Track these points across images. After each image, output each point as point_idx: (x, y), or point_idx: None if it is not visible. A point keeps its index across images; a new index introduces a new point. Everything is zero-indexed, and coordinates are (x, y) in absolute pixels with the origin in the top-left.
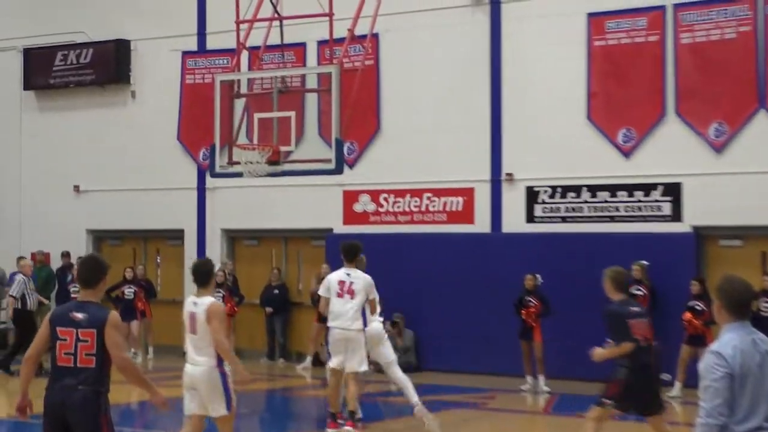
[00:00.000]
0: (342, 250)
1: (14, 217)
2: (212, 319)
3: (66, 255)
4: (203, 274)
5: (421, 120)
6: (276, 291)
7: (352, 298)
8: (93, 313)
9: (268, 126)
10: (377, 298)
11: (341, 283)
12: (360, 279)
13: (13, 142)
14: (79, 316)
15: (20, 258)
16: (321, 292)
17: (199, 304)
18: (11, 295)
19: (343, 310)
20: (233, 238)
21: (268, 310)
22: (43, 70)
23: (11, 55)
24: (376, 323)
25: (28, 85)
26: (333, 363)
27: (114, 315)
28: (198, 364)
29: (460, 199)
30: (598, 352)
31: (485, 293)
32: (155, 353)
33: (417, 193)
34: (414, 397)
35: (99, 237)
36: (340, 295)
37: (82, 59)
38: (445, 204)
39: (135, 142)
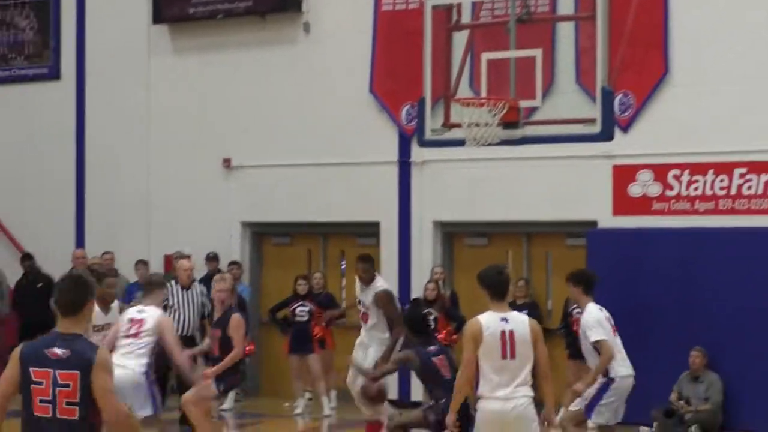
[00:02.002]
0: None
1: (138, 205)
2: None
3: (213, 258)
4: None
5: (732, 62)
6: (524, 311)
7: None
8: (78, 350)
9: (502, 72)
10: None
11: None
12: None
13: (138, 97)
14: (59, 352)
15: (176, 256)
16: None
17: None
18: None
19: None
20: (451, 234)
21: None
22: None
23: None
24: None
25: (158, 18)
26: None
27: (104, 353)
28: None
29: None
30: None
31: None
32: (339, 399)
33: (725, 168)
34: None
35: (258, 233)
36: None
37: None
38: (767, 184)
39: (309, 97)
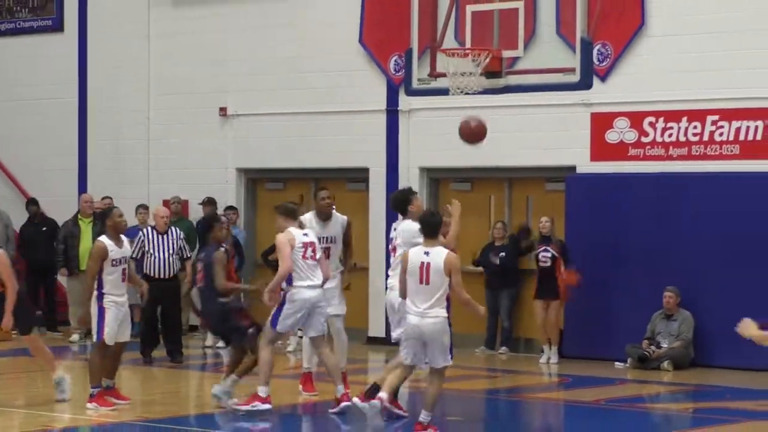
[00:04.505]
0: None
1: (138, 153)
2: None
3: (209, 203)
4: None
5: (706, 13)
6: (502, 254)
7: None
8: None
9: (485, 23)
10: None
11: None
12: None
13: (138, 48)
14: None
15: (174, 201)
16: None
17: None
18: (132, 257)
19: None
20: (437, 180)
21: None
22: None
23: None
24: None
25: None
26: None
27: None
28: (428, 316)
29: (760, 123)
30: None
31: None
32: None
33: (697, 115)
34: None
35: (253, 179)
36: None
37: None
38: (738, 131)
39: (301, 47)
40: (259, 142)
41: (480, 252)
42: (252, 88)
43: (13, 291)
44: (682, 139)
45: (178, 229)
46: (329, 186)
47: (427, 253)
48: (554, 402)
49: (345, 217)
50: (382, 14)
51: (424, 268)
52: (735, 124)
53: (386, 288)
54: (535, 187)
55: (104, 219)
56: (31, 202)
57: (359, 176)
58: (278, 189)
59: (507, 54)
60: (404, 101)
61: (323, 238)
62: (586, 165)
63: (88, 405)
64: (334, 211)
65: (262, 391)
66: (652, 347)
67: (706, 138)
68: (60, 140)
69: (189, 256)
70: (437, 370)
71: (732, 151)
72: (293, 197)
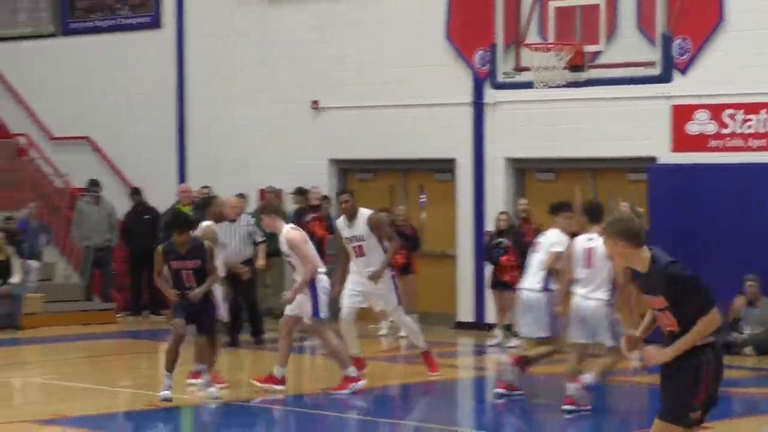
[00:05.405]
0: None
1: (234, 144)
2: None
3: (302, 192)
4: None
5: None
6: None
7: None
8: None
9: (568, 18)
10: None
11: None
12: None
13: (232, 45)
14: None
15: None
16: None
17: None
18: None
19: None
20: (522, 170)
21: None
22: None
23: None
24: None
25: None
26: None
27: None
28: (591, 298)
29: None
30: None
31: None
32: (420, 321)
33: None
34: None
35: (345, 169)
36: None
37: None
38: None
39: (388, 43)
40: (350, 134)
41: None
42: (343, 82)
43: None
44: (761, 130)
45: (248, 215)
46: (417, 176)
47: (591, 239)
48: (644, 386)
49: (369, 212)
50: (467, 11)
51: (589, 253)
52: None
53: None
54: (618, 177)
55: (205, 207)
56: (135, 192)
57: (445, 167)
58: (368, 179)
59: (589, 48)
60: (489, 94)
61: (351, 237)
62: (666, 156)
63: (196, 381)
64: (360, 209)
65: (351, 371)
66: (735, 333)
67: None
68: (159, 132)
69: (263, 240)
70: (608, 350)
71: None
72: (382, 187)
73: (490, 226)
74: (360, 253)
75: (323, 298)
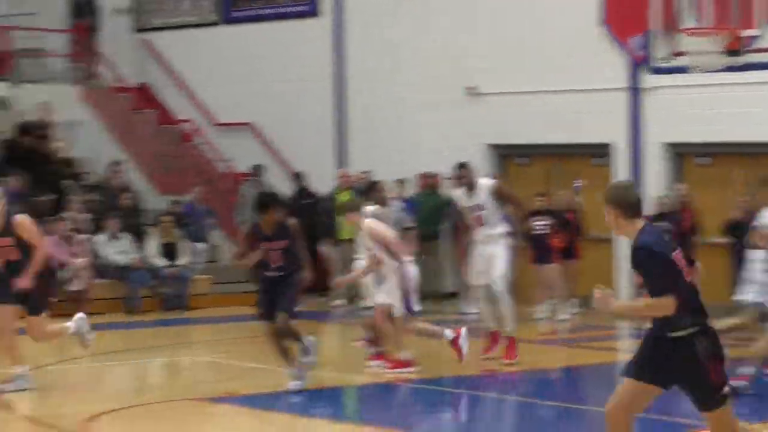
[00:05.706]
0: None
1: (392, 130)
2: None
3: (461, 177)
4: None
5: None
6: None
7: None
8: None
9: (724, 2)
10: None
11: None
12: None
13: (389, 32)
14: None
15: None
16: None
17: None
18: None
19: None
20: (680, 155)
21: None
22: None
23: None
24: None
25: None
26: None
27: None
28: None
29: None
30: None
31: None
32: (580, 306)
33: None
34: None
35: (503, 155)
36: None
37: None
38: None
39: (543, 29)
40: (507, 120)
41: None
42: (499, 68)
43: (42, 254)
44: None
45: (400, 201)
46: (573, 162)
47: None
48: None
49: (490, 182)
50: None
51: None
52: None
53: None
54: None
55: (368, 192)
56: (297, 177)
57: (599, 152)
58: (525, 164)
59: (745, 33)
60: (645, 79)
61: (473, 207)
62: None
63: (375, 363)
64: (479, 179)
65: (404, 355)
66: None
67: None
68: (318, 119)
69: (411, 226)
70: None
71: None
72: (539, 172)
73: (646, 210)
74: (480, 222)
75: (412, 292)
